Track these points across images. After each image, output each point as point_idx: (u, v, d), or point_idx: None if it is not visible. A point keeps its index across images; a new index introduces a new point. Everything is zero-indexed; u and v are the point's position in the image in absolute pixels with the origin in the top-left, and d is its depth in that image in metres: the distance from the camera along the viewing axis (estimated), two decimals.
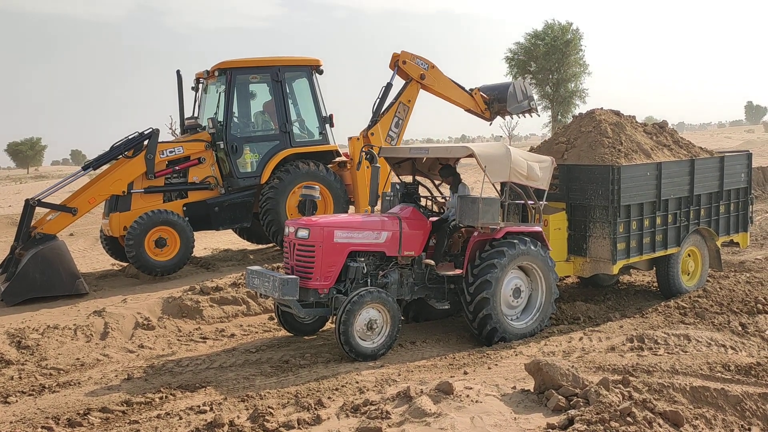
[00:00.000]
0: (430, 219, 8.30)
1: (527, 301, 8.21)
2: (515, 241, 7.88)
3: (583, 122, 9.79)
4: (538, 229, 8.21)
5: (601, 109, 9.99)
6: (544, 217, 8.79)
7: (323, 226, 7.54)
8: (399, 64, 12.32)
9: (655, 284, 10.49)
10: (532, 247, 7.99)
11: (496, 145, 8.27)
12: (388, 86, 12.31)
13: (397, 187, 8.61)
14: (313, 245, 7.42)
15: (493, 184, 8.25)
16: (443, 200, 9.04)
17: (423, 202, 8.87)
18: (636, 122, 10.02)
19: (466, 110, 13.33)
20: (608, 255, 8.80)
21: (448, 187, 8.80)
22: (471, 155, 7.76)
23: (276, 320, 8.61)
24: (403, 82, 12.64)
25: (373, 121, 12.16)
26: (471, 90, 13.26)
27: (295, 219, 7.96)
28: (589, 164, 8.96)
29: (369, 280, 7.72)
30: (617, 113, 9.95)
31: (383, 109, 12.31)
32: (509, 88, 13.24)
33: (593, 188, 8.85)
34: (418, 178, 9.09)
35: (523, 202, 8.32)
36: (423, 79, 12.45)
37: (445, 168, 8.72)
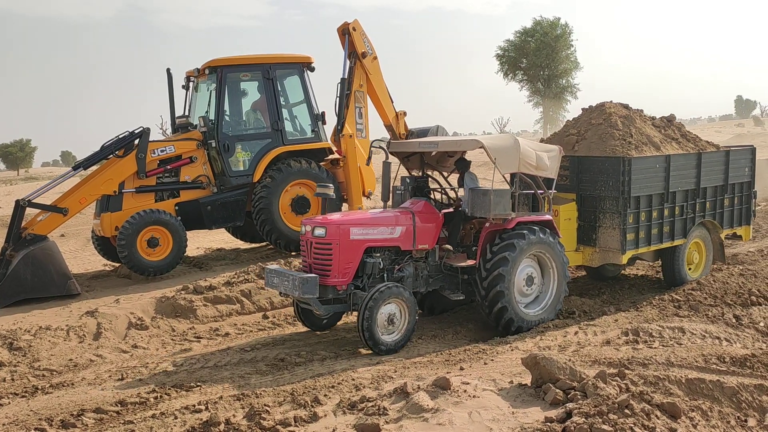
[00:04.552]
0: (442, 211, 8.41)
1: (540, 289, 8.38)
2: (529, 229, 8.04)
3: (593, 115, 9.94)
4: (548, 217, 8.36)
5: (611, 102, 10.13)
6: (555, 207, 8.95)
7: (339, 223, 7.65)
8: (349, 29, 11.94)
9: (651, 276, 10.57)
10: (544, 236, 8.15)
11: (504, 137, 8.38)
12: (343, 82, 11.99)
13: (408, 181, 8.69)
14: (330, 243, 7.52)
15: (503, 176, 8.31)
16: (453, 191, 9.19)
17: (433, 195, 8.99)
18: (645, 115, 10.18)
19: (385, 124, 12.80)
20: (617, 245, 8.95)
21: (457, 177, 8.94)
22: (481, 148, 7.88)
23: (295, 316, 8.71)
24: (350, 76, 12.12)
25: (342, 124, 11.91)
26: (398, 111, 12.85)
27: (312, 217, 8.06)
28: (600, 156, 9.10)
29: (385, 275, 7.86)
30: (626, 106, 10.12)
31: (344, 106, 11.99)
32: (432, 127, 13.02)
33: (604, 179, 9.01)
34: (427, 171, 9.18)
35: (532, 191, 8.42)
36: (364, 58, 12.02)
37: (460, 161, 8.86)
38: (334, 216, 8.04)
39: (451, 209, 8.71)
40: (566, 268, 8.44)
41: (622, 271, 10.94)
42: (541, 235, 8.14)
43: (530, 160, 8.10)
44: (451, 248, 8.29)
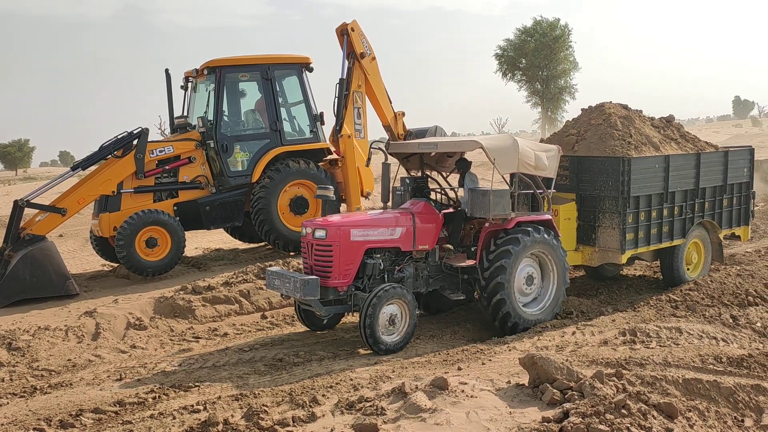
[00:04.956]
0: (442, 212, 8.46)
1: (539, 291, 8.44)
2: (527, 229, 8.10)
3: (592, 115, 10.01)
4: (548, 217, 8.44)
5: (610, 102, 10.20)
6: (554, 207, 9.02)
7: (340, 225, 7.69)
8: (348, 30, 11.88)
9: (648, 276, 10.58)
10: (545, 236, 8.21)
11: (503, 137, 8.45)
12: (341, 82, 11.94)
13: (407, 181, 8.74)
14: (331, 245, 7.56)
15: (503, 176, 8.38)
16: (452, 191, 9.26)
17: (433, 195, 9.05)
18: (644, 116, 10.26)
19: (384, 124, 12.69)
20: (617, 245, 9.02)
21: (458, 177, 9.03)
22: (480, 148, 7.94)
23: (296, 316, 8.74)
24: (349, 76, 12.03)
25: (340, 124, 11.85)
26: (396, 112, 12.74)
27: (312, 219, 8.11)
28: (600, 156, 9.17)
29: (386, 276, 7.90)
30: (625, 107, 10.19)
31: (342, 106, 11.90)
32: (431, 128, 12.99)
33: (603, 179, 9.08)
34: (426, 171, 9.23)
35: (532, 191, 8.47)
36: (362, 58, 11.95)
37: (460, 161, 8.94)
38: (335, 218, 8.07)
39: (450, 209, 8.74)
40: (566, 272, 8.51)
41: (621, 271, 10.97)
42: (545, 236, 8.23)
43: (529, 160, 8.17)
44: (452, 248, 8.32)
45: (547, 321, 8.27)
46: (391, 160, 8.49)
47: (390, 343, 7.43)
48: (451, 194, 9.26)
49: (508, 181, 8.66)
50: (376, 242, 7.83)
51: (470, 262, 8.12)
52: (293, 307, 9.42)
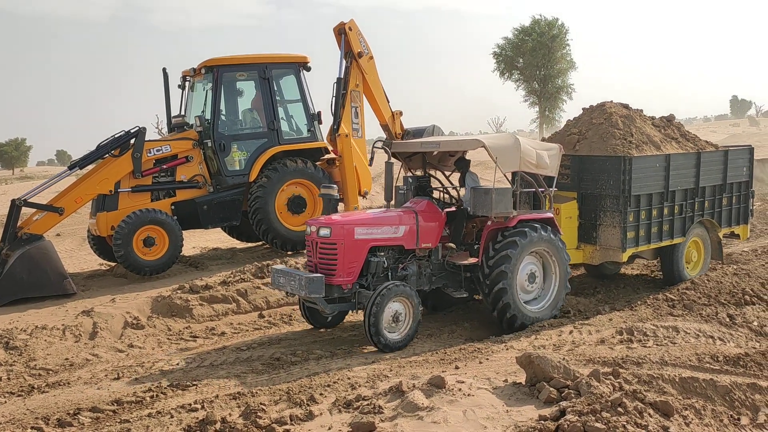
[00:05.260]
0: (445, 210, 8.51)
1: (540, 291, 8.49)
2: (532, 226, 8.17)
3: (594, 114, 10.06)
4: (549, 215, 8.49)
5: (611, 101, 10.25)
6: (556, 205, 9.08)
7: (344, 224, 7.73)
8: (345, 29, 11.81)
9: (646, 275, 10.61)
10: (546, 234, 8.26)
11: (505, 136, 8.51)
12: (339, 81, 11.85)
13: (410, 180, 8.80)
14: (335, 243, 7.61)
15: (504, 174, 8.44)
16: (454, 189, 9.31)
17: (435, 194, 9.10)
18: (644, 115, 10.31)
19: (381, 124, 12.57)
20: (618, 243, 9.09)
21: (458, 176, 9.09)
22: (482, 147, 7.98)
23: (301, 314, 8.74)
24: (346, 75, 11.95)
25: (338, 124, 11.79)
26: (394, 111, 12.62)
27: (316, 218, 8.18)
28: (601, 155, 9.23)
29: (389, 274, 7.96)
30: (626, 106, 10.24)
31: (340, 105, 11.83)
32: (428, 127, 12.95)
33: (605, 178, 9.15)
34: (429, 170, 9.28)
35: (534, 190, 8.49)
36: (360, 58, 11.87)
37: (460, 160, 9.00)
38: (339, 216, 8.10)
39: (453, 208, 8.79)
40: (568, 275, 8.55)
41: (620, 270, 11.01)
42: (551, 235, 8.30)
43: (531, 159, 8.22)
44: (454, 246, 8.38)
45: (546, 319, 8.29)
46: (393, 159, 8.52)
47: (391, 340, 7.46)
48: (453, 193, 9.30)
49: (510, 180, 8.69)
50: (380, 240, 7.88)
51: (473, 260, 8.18)
52: (290, 307, 9.45)
